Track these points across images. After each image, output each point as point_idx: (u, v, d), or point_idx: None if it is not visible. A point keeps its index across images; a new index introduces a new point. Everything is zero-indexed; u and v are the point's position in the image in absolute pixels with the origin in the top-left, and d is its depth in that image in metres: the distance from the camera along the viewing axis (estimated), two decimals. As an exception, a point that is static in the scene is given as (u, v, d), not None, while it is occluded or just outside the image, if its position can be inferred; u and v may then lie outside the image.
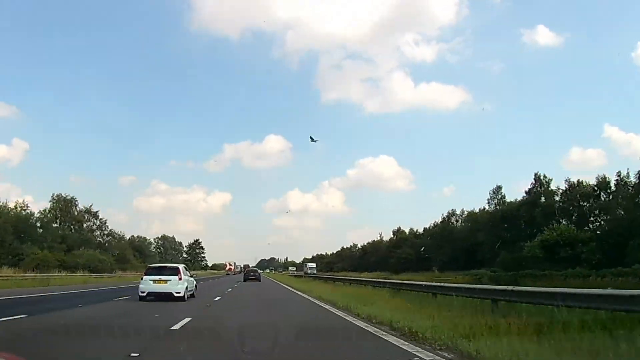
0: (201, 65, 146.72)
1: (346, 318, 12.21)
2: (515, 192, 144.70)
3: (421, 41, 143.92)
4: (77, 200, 67.39)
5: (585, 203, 55.15)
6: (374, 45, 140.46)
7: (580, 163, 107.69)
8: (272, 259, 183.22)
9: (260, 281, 44.78)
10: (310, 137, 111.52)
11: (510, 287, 11.83)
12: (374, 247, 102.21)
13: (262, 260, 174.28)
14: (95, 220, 70.71)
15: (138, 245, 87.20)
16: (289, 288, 31.27)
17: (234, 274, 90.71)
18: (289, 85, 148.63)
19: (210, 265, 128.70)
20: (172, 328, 9.62)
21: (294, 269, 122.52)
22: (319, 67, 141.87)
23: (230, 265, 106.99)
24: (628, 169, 51.48)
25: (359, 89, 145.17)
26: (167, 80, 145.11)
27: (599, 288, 12.52)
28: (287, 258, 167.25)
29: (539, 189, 61.38)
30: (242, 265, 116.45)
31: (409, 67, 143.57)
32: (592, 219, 55.42)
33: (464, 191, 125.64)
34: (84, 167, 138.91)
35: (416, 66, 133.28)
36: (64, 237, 59.97)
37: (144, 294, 16.91)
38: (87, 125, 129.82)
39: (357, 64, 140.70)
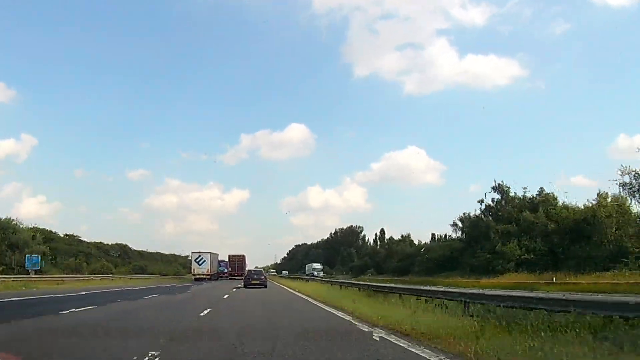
0: (213, 42, 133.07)
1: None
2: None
3: (469, 2, 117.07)
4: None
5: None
6: (414, 5, 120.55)
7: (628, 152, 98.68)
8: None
9: (266, 287, 33.96)
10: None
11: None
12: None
13: (295, 248, 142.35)
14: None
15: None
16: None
17: None
18: (315, 61, 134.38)
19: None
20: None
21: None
22: (349, 34, 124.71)
23: None
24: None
25: (395, 61, 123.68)
26: (172, 66, 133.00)
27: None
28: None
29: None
30: (212, 258, 60.11)
31: (453, 34, 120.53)
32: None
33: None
34: (89, 163, 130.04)
35: (463, 33, 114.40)
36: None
37: None
38: (90, 117, 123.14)
39: (393, 26, 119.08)
